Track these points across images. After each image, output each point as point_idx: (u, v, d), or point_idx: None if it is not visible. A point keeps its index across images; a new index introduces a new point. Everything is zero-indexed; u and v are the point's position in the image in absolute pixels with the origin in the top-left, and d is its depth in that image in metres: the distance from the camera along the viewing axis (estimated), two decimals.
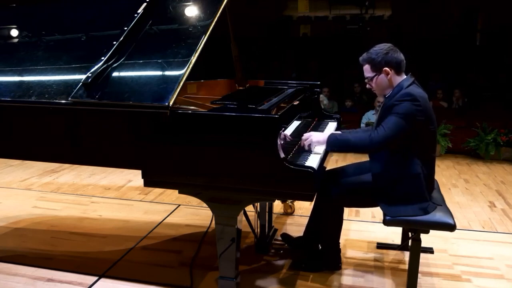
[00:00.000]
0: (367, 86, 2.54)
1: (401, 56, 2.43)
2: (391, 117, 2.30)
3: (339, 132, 2.77)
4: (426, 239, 2.91)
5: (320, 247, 2.82)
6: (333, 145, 2.41)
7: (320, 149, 2.52)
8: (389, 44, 2.45)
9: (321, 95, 3.48)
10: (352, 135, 2.43)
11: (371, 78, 2.46)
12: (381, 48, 2.43)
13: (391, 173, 2.41)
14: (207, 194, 2.28)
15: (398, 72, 2.43)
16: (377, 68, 2.42)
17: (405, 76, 2.45)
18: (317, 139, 2.46)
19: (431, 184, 2.48)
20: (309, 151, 2.50)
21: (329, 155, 2.53)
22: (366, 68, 2.47)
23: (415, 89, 2.36)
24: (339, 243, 2.80)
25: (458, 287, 2.70)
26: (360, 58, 2.49)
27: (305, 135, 2.51)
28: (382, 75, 2.42)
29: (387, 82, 2.43)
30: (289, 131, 2.66)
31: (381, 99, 2.58)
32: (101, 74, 2.39)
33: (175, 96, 2.17)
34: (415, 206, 2.36)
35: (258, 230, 3.02)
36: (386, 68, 2.40)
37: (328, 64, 9.91)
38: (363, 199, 2.56)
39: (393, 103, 2.32)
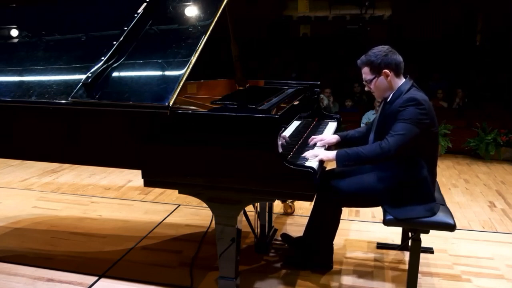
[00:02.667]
0: (366, 88, 2.53)
1: (400, 58, 2.42)
2: (399, 124, 2.28)
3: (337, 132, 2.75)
4: (426, 239, 2.91)
5: (314, 246, 2.81)
6: (343, 161, 2.35)
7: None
8: (387, 46, 2.44)
9: (321, 95, 3.48)
10: (362, 147, 2.38)
11: (370, 81, 2.44)
12: (380, 50, 2.41)
13: (398, 176, 2.40)
14: (207, 194, 2.28)
15: (397, 74, 2.42)
16: (376, 71, 2.41)
17: (404, 79, 2.45)
18: (326, 156, 2.39)
19: (434, 185, 2.48)
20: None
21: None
22: (365, 70, 2.45)
23: (416, 93, 2.35)
24: (333, 243, 2.80)
25: (458, 287, 2.70)
26: (358, 61, 2.47)
27: (312, 153, 2.42)
28: (382, 77, 2.41)
29: (387, 84, 2.42)
30: (289, 131, 2.66)
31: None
32: (101, 74, 2.39)
33: (175, 96, 2.17)
34: (422, 208, 2.36)
35: (258, 230, 3.02)
36: (386, 70, 2.39)
37: (328, 64, 9.92)
38: (364, 200, 2.56)
39: (397, 109, 2.31)
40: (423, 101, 2.30)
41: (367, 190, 2.49)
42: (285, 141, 2.43)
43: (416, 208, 2.35)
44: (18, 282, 2.70)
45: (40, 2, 3.03)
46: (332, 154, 2.38)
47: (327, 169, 2.71)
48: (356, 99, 7.61)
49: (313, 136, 2.74)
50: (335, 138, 2.73)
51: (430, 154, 2.42)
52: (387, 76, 2.40)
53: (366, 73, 2.46)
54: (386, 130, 2.34)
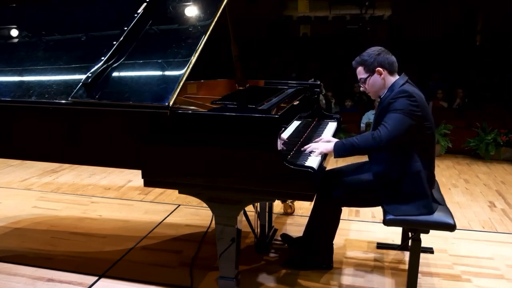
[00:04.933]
0: (361, 88, 2.58)
1: (393, 58, 2.48)
2: (390, 114, 2.31)
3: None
4: (426, 239, 2.91)
5: (314, 246, 2.82)
6: (340, 151, 2.40)
7: None
8: (380, 47, 2.50)
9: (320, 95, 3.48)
10: (356, 137, 2.42)
11: (365, 80, 2.49)
12: (373, 50, 2.48)
13: (392, 173, 2.41)
14: (207, 194, 2.28)
15: (391, 73, 2.46)
16: (370, 69, 2.46)
17: (398, 77, 2.48)
18: (325, 148, 2.45)
19: (431, 182, 2.49)
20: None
21: (329, 155, 2.54)
22: (360, 70, 2.51)
23: (409, 87, 2.38)
24: (333, 243, 2.80)
25: (458, 287, 2.70)
26: (353, 62, 2.53)
27: (313, 146, 2.49)
28: (376, 75, 2.45)
29: (381, 82, 2.46)
30: (289, 131, 2.66)
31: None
32: (101, 74, 2.39)
33: (175, 96, 2.17)
34: (418, 204, 2.36)
35: (258, 230, 3.01)
36: (379, 68, 2.44)
37: (328, 64, 9.92)
38: (363, 199, 2.56)
39: (389, 101, 2.35)
40: (415, 94, 2.33)
41: (365, 189, 2.51)
42: (283, 142, 2.44)
43: (411, 204, 2.36)
44: (18, 282, 2.70)
45: (40, 2, 3.03)
46: (331, 145, 2.44)
47: (327, 169, 2.71)
48: (356, 99, 7.61)
49: (321, 137, 2.75)
50: None
51: (424, 149, 2.42)
52: (380, 74, 2.44)
53: (360, 73, 2.51)
54: (380, 124, 2.37)
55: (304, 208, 3.88)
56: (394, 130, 2.28)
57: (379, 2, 12.19)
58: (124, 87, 2.34)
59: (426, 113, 2.37)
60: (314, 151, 2.45)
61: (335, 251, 2.89)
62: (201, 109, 2.32)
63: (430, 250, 3.08)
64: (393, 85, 2.44)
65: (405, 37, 11.11)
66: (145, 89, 2.30)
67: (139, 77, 2.38)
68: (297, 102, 2.99)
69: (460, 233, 3.38)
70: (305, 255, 2.82)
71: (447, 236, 3.22)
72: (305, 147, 2.51)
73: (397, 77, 2.48)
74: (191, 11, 2.65)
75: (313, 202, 2.54)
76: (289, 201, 3.78)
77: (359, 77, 2.52)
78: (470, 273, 2.85)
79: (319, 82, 3.44)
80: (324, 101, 6.96)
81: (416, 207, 2.36)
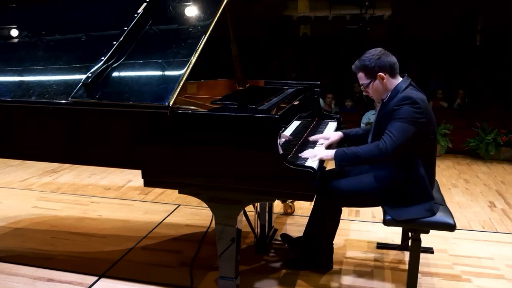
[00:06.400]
0: (364, 93, 2.53)
1: (394, 59, 2.43)
2: (395, 123, 2.28)
3: (338, 131, 2.75)
4: (426, 239, 2.91)
5: (314, 246, 2.81)
6: (341, 160, 2.35)
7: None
8: (379, 49, 2.44)
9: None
10: (360, 147, 2.37)
11: (367, 85, 2.45)
12: (373, 54, 2.41)
13: (395, 177, 2.40)
14: (207, 194, 2.28)
15: (392, 75, 2.42)
16: (371, 75, 2.41)
17: (401, 78, 2.45)
18: (325, 155, 2.38)
19: (432, 184, 2.48)
20: None
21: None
22: (360, 75, 2.46)
23: (412, 92, 2.34)
24: (333, 243, 2.80)
25: (458, 287, 2.70)
26: (353, 67, 2.48)
27: (311, 152, 2.41)
28: (377, 81, 2.41)
29: (384, 86, 2.42)
30: (289, 131, 2.66)
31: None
32: (101, 74, 2.39)
33: (175, 96, 2.17)
34: (421, 207, 2.35)
35: (258, 230, 3.01)
36: (381, 73, 2.39)
37: (328, 64, 9.91)
38: (363, 200, 2.55)
39: (392, 108, 2.31)
40: (419, 100, 2.29)
41: (365, 190, 2.49)
42: (287, 139, 2.43)
43: (415, 208, 2.35)
44: (18, 282, 2.70)
45: (40, 2, 3.03)
46: (331, 153, 2.38)
47: (326, 169, 2.71)
48: (356, 99, 7.61)
49: (317, 135, 2.75)
50: (338, 135, 2.73)
51: (427, 153, 2.42)
52: (382, 78, 2.40)
53: (361, 78, 2.46)
54: (382, 130, 2.34)
55: (304, 208, 3.88)
56: (400, 140, 2.24)
57: (379, 2, 12.17)
58: (124, 87, 2.34)
59: (430, 117, 2.35)
60: (312, 157, 2.35)
61: (335, 251, 2.89)
62: (201, 109, 2.32)
63: (430, 250, 3.08)
64: (395, 88, 2.40)
65: (405, 37, 11.10)
66: (145, 89, 2.30)
67: (139, 77, 2.38)
68: (297, 102, 2.99)
69: (460, 233, 3.38)
70: (305, 255, 2.82)
71: (447, 236, 3.22)
72: (304, 152, 2.42)
73: (399, 78, 2.44)
74: (191, 11, 2.65)
75: (313, 202, 2.54)
76: (289, 201, 3.78)
77: (360, 82, 2.48)
78: (470, 273, 2.85)
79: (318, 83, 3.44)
80: (322, 104, 6.97)
81: (419, 210, 2.35)
